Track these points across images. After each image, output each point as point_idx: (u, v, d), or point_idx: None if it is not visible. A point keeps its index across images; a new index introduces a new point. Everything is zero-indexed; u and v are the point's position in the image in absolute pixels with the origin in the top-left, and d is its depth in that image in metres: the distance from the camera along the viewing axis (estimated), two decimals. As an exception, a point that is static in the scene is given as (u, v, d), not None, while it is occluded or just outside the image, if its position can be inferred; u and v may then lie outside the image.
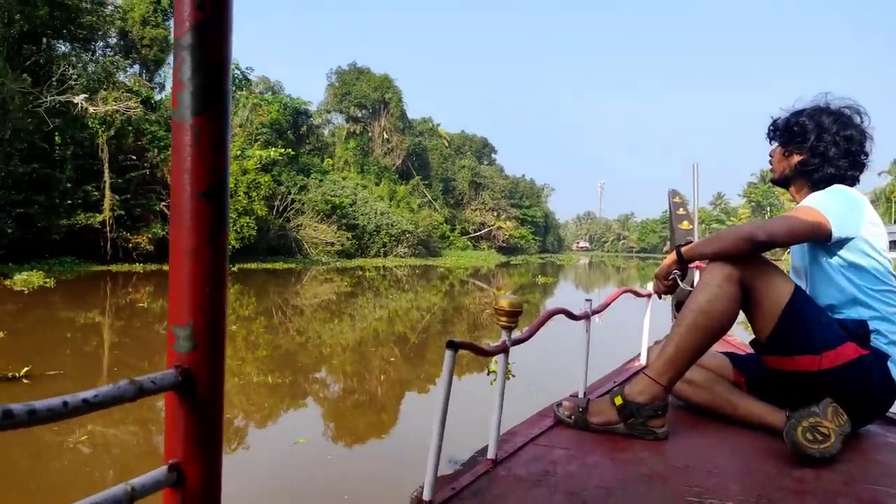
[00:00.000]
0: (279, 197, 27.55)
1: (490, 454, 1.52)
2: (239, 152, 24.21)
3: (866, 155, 1.92)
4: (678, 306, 2.08)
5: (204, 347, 0.52)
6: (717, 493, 1.39)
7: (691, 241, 2.09)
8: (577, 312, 1.99)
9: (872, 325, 1.76)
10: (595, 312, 2.09)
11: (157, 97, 24.86)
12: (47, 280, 13.17)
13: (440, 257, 40.52)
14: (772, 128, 2.04)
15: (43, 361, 5.86)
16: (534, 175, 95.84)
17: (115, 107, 19.20)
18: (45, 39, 19.21)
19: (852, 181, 1.92)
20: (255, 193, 23.64)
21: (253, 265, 22.62)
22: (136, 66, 25.07)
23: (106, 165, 19.30)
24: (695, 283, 1.93)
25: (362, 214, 34.14)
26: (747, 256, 1.73)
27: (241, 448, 4.14)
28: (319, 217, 29.70)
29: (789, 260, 2.15)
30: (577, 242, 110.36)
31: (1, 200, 16.41)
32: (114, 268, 18.59)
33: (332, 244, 29.62)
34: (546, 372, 5.74)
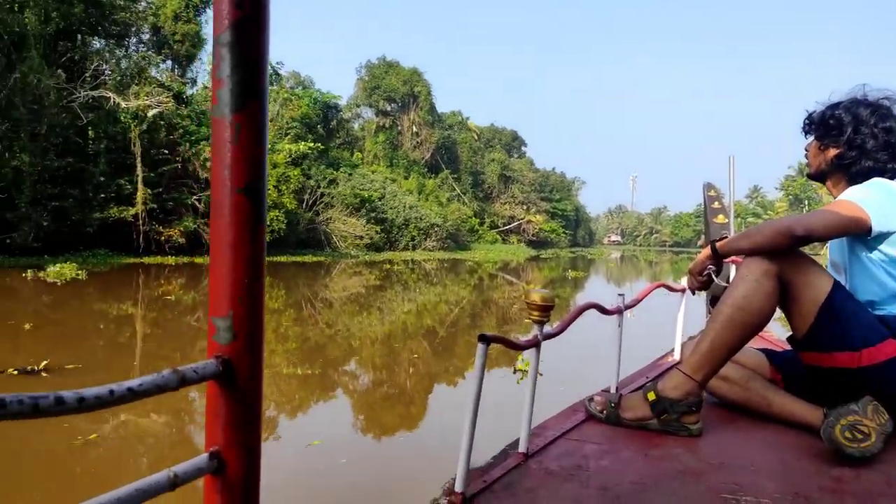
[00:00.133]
0: (309, 191, 27.67)
1: (521, 448, 1.52)
2: (269, 146, 24.29)
3: None
4: (713, 301, 2.06)
5: (243, 338, 0.54)
6: (753, 491, 1.37)
7: (726, 236, 2.07)
8: (609, 307, 1.98)
9: None
10: (628, 307, 2.07)
11: (189, 92, 25.09)
12: (79, 272, 13.36)
13: (469, 251, 40.37)
14: (807, 121, 1.99)
15: (68, 354, 5.87)
16: (564, 168, 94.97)
17: (146, 101, 19.42)
18: (79, 36, 19.50)
19: (892, 174, 1.86)
20: (284, 187, 23.75)
21: (283, 258, 22.76)
22: (169, 62, 25.34)
23: (138, 159, 19.57)
24: (730, 279, 1.94)
25: (391, 208, 34.14)
26: (785, 251, 1.71)
27: (273, 438, 4.14)
28: (348, 211, 29.79)
29: (827, 255, 2.09)
30: (609, 236, 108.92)
31: (37, 194, 16.76)
32: (146, 260, 18.89)
33: (361, 238, 29.69)
34: (576, 367, 5.70)
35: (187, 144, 21.28)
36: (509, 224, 54.48)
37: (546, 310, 1.48)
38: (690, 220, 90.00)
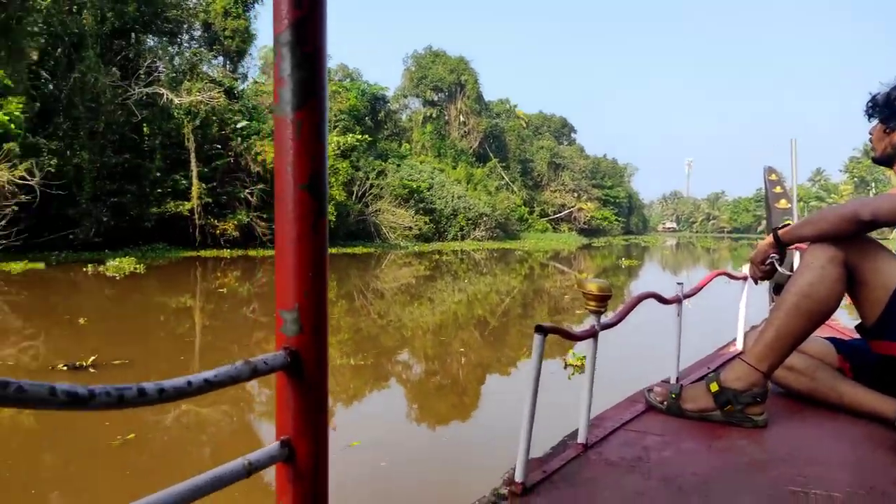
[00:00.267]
0: (358, 182, 27.81)
1: (580, 438, 1.52)
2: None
3: None
4: (776, 290, 2.02)
5: (309, 329, 0.55)
6: (823, 484, 1.33)
7: (789, 221, 2.06)
8: (667, 296, 1.95)
9: None
10: (687, 296, 2.05)
11: (241, 87, 25.44)
12: (137, 266, 13.69)
13: (518, 240, 39.99)
14: (870, 104, 1.88)
15: (120, 348, 5.91)
16: (616, 154, 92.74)
17: (198, 97, 19.75)
18: (133, 34, 19.97)
19: None
20: (334, 179, 23.89)
21: (333, 250, 22.92)
22: (220, 58, 25.75)
23: (192, 155, 19.96)
24: (793, 267, 1.92)
25: (439, 198, 34.05)
26: (851, 237, 1.67)
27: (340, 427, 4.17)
28: (397, 202, 29.83)
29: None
30: (664, 223, 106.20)
31: (96, 190, 17.28)
32: (203, 253, 19.29)
33: (410, 228, 29.73)
34: (632, 357, 5.62)
35: (239, 139, 21.58)
36: (560, 212, 53.66)
37: (603, 300, 1.47)
38: (750, 206, 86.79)
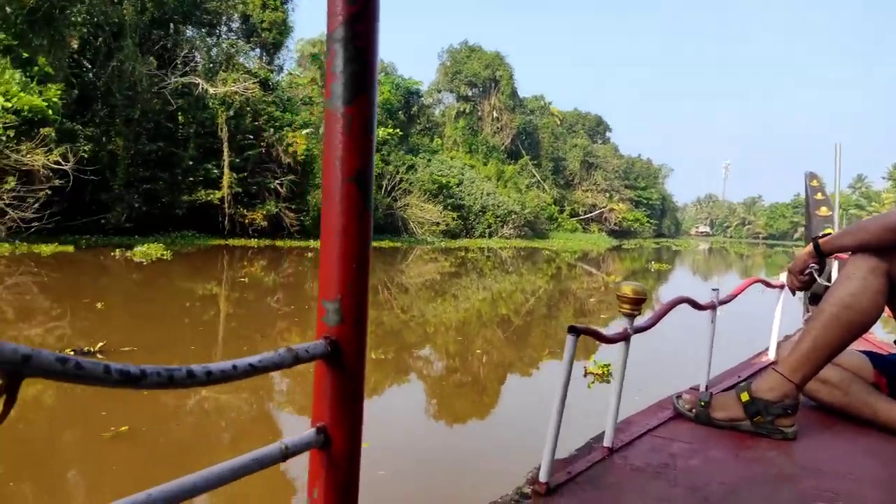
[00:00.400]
0: (388, 176, 27.85)
1: (606, 442, 1.51)
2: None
3: None
4: (812, 300, 2.02)
5: (350, 320, 0.57)
6: (853, 500, 1.30)
7: (830, 230, 2.04)
8: (702, 302, 1.92)
9: None
10: (722, 303, 2.02)
11: (276, 79, 25.63)
12: (165, 252, 13.88)
13: (547, 239, 39.63)
14: None
15: (133, 334, 5.92)
16: (651, 155, 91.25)
17: (233, 88, 19.95)
18: (171, 25, 20.25)
19: None
20: (363, 172, 23.88)
21: (360, 243, 22.93)
22: (257, 50, 25.96)
23: (225, 144, 20.18)
24: (831, 277, 1.89)
25: (468, 194, 33.91)
26: (894, 247, 1.62)
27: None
28: (426, 197, 29.80)
29: None
30: (697, 227, 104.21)
31: (130, 177, 17.60)
32: (231, 242, 19.50)
33: (438, 224, 29.67)
34: (659, 362, 5.49)
35: (271, 130, 21.75)
36: (590, 212, 53.05)
37: (638, 303, 1.46)
38: (787, 212, 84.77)
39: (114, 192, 17.15)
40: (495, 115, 44.92)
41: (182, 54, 19.65)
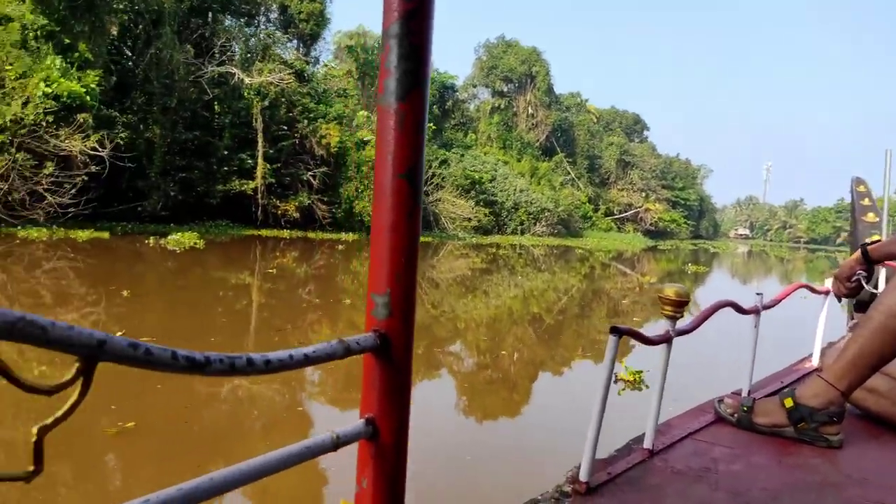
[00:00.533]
0: (420, 170, 27.68)
1: (646, 444, 1.50)
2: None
3: None
4: (858, 307, 1.99)
5: (398, 314, 0.57)
6: None
7: (877, 236, 2.03)
8: (746, 307, 1.88)
9: None
10: (766, 307, 1.99)
11: (311, 70, 25.65)
12: (198, 241, 13.92)
13: (580, 238, 39.09)
14: None
15: (157, 324, 5.80)
16: (690, 155, 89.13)
17: (269, 78, 19.97)
18: (210, 14, 20.36)
19: None
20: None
21: (391, 237, 22.83)
22: (294, 41, 26.01)
23: (259, 135, 20.24)
24: (879, 284, 1.85)
25: (501, 191, 33.59)
26: None
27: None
28: (458, 192, 29.57)
29: None
30: (736, 229, 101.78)
31: (166, 165, 17.75)
32: (263, 232, 19.58)
33: (469, 219, 29.42)
34: (699, 366, 5.37)
35: (305, 121, 21.75)
36: (626, 212, 52.19)
37: (680, 305, 1.44)
38: (829, 216, 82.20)
39: (150, 179, 17.31)
40: (530, 111, 44.44)
41: (219, 43, 19.74)
